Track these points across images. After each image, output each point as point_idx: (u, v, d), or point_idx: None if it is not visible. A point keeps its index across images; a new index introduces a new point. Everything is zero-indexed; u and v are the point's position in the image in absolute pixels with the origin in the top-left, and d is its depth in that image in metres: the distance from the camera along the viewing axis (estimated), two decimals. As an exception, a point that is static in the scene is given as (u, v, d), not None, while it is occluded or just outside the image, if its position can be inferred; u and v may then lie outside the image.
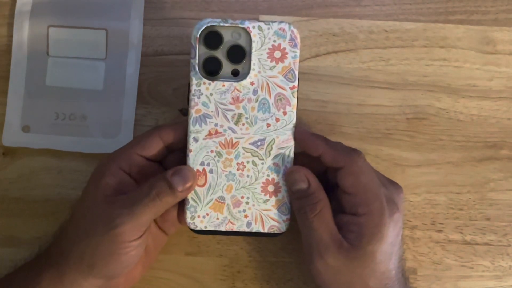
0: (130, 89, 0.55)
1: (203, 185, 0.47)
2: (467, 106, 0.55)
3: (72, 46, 0.55)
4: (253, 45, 0.46)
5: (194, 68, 0.46)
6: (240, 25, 0.46)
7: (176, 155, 0.48)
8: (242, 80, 0.46)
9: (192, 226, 0.47)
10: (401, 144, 0.55)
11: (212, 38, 0.46)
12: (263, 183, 0.47)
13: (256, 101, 0.46)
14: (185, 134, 0.46)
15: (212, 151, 0.46)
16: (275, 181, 0.47)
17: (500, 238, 0.55)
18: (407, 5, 0.56)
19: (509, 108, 0.55)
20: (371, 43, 0.55)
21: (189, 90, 0.46)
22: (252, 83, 0.46)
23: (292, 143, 0.47)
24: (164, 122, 0.55)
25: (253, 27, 0.46)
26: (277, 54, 0.46)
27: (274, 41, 0.46)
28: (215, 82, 0.46)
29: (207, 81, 0.46)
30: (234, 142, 0.46)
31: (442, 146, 0.55)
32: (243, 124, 0.46)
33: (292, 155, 0.47)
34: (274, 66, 0.46)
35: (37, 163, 0.55)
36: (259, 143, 0.47)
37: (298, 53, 0.46)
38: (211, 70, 0.46)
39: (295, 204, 0.46)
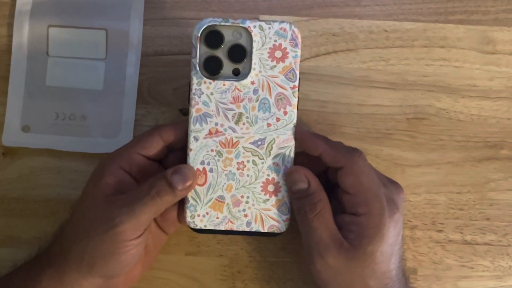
0: (130, 89, 0.55)
1: (203, 184, 0.47)
2: (467, 106, 0.55)
3: (72, 46, 0.55)
4: (254, 44, 0.46)
5: (195, 67, 0.46)
6: (241, 25, 0.46)
7: (176, 154, 0.48)
8: (242, 79, 0.46)
9: (192, 225, 0.47)
10: (401, 144, 0.55)
11: (213, 37, 0.46)
12: (263, 182, 0.47)
13: (257, 100, 0.46)
14: (186, 133, 0.46)
15: (212, 150, 0.46)
16: (275, 180, 0.47)
17: (500, 238, 0.55)
18: (407, 5, 0.56)
19: (509, 108, 0.55)
20: (371, 43, 0.55)
21: (189, 89, 0.46)
22: (252, 83, 0.46)
23: (292, 143, 0.47)
24: (164, 122, 0.55)
25: (254, 26, 0.46)
26: (278, 53, 0.46)
27: (275, 40, 0.46)
28: (216, 81, 0.46)
29: (207, 81, 0.46)
30: (234, 141, 0.46)
31: (442, 146, 0.55)
32: (244, 124, 0.46)
33: (292, 155, 0.47)
34: (275, 66, 0.46)
35: (37, 163, 0.55)
36: (259, 143, 0.47)
37: (299, 53, 0.46)
38: (212, 69, 0.46)
39: (295, 204, 0.46)
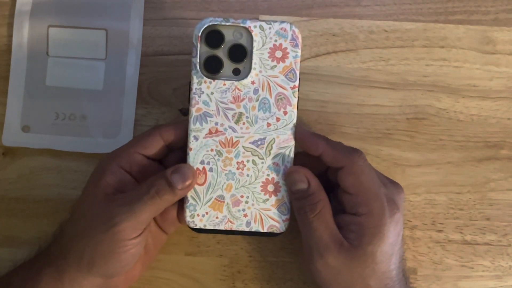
0: (130, 89, 0.55)
1: (202, 184, 0.47)
2: (467, 106, 0.55)
3: (72, 46, 0.55)
4: (254, 44, 0.46)
5: (195, 67, 0.46)
6: (241, 25, 0.46)
7: (176, 153, 0.48)
8: (243, 79, 0.46)
9: (192, 225, 0.47)
10: (401, 144, 0.55)
11: (213, 37, 0.46)
12: (263, 182, 0.47)
13: (257, 100, 0.46)
14: (186, 133, 0.47)
15: (212, 150, 0.46)
16: (275, 180, 0.47)
17: (500, 238, 0.55)
18: (407, 5, 0.56)
19: (509, 108, 0.55)
20: (371, 43, 0.55)
21: (190, 89, 0.46)
22: (253, 82, 0.46)
23: (292, 142, 0.47)
24: (164, 122, 0.55)
25: (255, 26, 0.46)
26: (278, 53, 0.46)
27: (276, 40, 0.46)
28: (216, 81, 0.46)
29: (208, 80, 0.46)
30: (234, 141, 0.46)
31: (442, 146, 0.55)
32: (244, 123, 0.46)
33: (292, 155, 0.47)
34: (275, 66, 0.46)
35: (37, 163, 0.55)
36: (259, 143, 0.47)
37: (299, 53, 0.46)
38: (212, 69, 0.46)
39: (295, 204, 0.46)
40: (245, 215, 0.47)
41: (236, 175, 0.47)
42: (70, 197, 0.54)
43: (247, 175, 0.47)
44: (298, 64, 0.46)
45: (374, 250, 0.44)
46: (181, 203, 0.48)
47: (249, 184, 0.47)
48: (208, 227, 0.47)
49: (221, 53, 0.46)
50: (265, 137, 0.46)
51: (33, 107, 0.55)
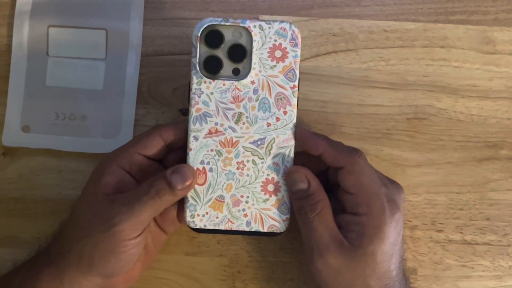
0: (130, 89, 0.55)
1: (202, 184, 0.47)
2: (467, 106, 0.55)
3: (72, 46, 0.55)
4: (254, 44, 0.46)
5: (195, 67, 0.46)
6: (241, 24, 0.46)
7: (176, 154, 0.48)
8: (242, 79, 0.46)
9: (192, 225, 0.47)
10: (401, 144, 0.55)
11: (213, 37, 0.46)
12: (263, 182, 0.47)
13: (257, 100, 0.46)
14: (186, 133, 0.47)
15: (212, 150, 0.46)
16: (275, 180, 0.47)
17: (500, 238, 0.55)
18: (407, 5, 0.56)
19: (509, 108, 0.55)
20: (371, 43, 0.55)
21: (189, 89, 0.46)
22: (252, 82, 0.46)
23: (292, 142, 0.47)
24: (164, 122, 0.55)
25: (254, 26, 0.46)
26: (278, 53, 0.46)
27: (275, 40, 0.46)
28: (216, 81, 0.46)
29: (207, 80, 0.46)
30: (234, 141, 0.46)
31: (442, 146, 0.55)
32: (243, 123, 0.46)
33: (292, 154, 0.47)
34: (275, 66, 0.46)
35: (37, 163, 0.55)
36: (259, 142, 0.47)
37: (299, 53, 0.46)
38: (212, 69, 0.46)
39: (295, 204, 0.46)
40: (245, 215, 0.47)
41: (236, 175, 0.47)
42: (70, 197, 0.54)
43: (247, 175, 0.47)
44: (297, 64, 0.46)
45: (374, 250, 0.44)
46: (181, 203, 0.48)
47: (249, 184, 0.47)
48: (208, 227, 0.47)
49: (221, 53, 0.46)
50: (265, 137, 0.46)
51: (33, 107, 0.55)
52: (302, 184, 0.46)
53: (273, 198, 0.47)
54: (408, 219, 0.54)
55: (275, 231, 0.47)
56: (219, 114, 0.46)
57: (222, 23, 0.46)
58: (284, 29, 0.46)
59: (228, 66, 0.46)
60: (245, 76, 0.46)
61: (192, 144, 0.46)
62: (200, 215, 0.47)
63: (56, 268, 0.46)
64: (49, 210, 0.54)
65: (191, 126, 0.46)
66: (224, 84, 0.46)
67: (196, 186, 0.47)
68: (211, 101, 0.46)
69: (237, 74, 0.46)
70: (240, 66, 0.46)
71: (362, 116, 0.55)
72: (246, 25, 0.46)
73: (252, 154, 0.47)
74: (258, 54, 0.46)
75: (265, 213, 0.47)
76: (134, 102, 0.55)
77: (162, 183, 0.44)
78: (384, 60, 0.55)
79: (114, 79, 0.55)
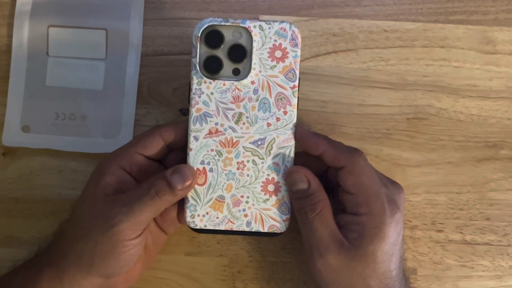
0: (130, 89, 0.55)
1: (203, 184, 0.47)
2: (467, 106, 0.55)
3: (72, 46, 0.55)
4: (254, 44, 0.46)
5: (195, 67, 0.46)
6: (241, 25, 0.46)
7: (176, 154, 0.48)
8: (242, 79, 0.46)
9: (192, 225, 0.47)
10: (401, 144, 0.55)
11: (213, 37, 0.46)
12: (263, 182, 0.47)
13: (257, 100, 0.46)
14: (186, 133, 0.47)
15: (212, 150, 0.46)
16: (275, 180, 0.47)
17: (500, 238, 0.55)
18: (407, 5, 0.56)
19: (509, 108, 0.55)
20: (371, 43, 0.55)
21: (189, 89, 0.46)
22: (252, 82, 0.46)
23: (292, 142, 0.47)
24: (164, 122, 0.55)
25: (254, 26, 0.46)
26: (278, 53, 0.46)
27: (275, 40, 0.46)
28: (216, 81, 0.46)
29: (208, 80, 0.46)
30: (234, 141, 0.46)
31: (442, 146, 0.55)
32: (244, 123, 0.46)
33: (292, 154, 0.47)
34: (275, 66, 0.46)
35: (37, 163, 0.55)
36: (259, 142, 0.47)
37: (299, 53, 0.46)
38: (212, 69, 0.46)
39: (295, 204, 0.46)
40: (246, 215, 0.47)
41: (236, 175, 0.47)
42: (70, 197, 0.54)
43: (247, 175, 0.47)
44: (297, 64, 0.46)
45: (374, 249, 0.44)
46: (181, 203, 0.48)
47: (249, 184, 0.47)
48: (208, 227, 0.47)
49: (221, 53, 0.46)
50: (265, 137, 0.46)
51: (33, 107, 0.54)
52: (302, 184, 0.46)
53: (273, 198, 0.47)
54: (408, 219, 0.54)
55: (276, 231, 0.47)
56: (219, 114, 0.46)
57: (222, 23, 0.46)
58: (284, 29, 0.46)
59: (228, 66, 0.46)
60: (245, 76, 0.46)
61: (192, 144, 0.46)
62: (200, 215, 0.47)
63: (56, 268, 0.46)
64: (49, 210, 0.54)
65: (191, 126, 0.46)
66: (224, 84, 0.46)
67: (196, 186, 0.47)
68: (211, 101, 0.46)
69: (237, 74, 0.46)
70: (240, 66, 0.46)
71: (362, 116, 0.55)
72: (246, 25, 0.46)
73: (252, 154, 0.47)
74: (258, 54, 0.46)
75: (265, 213, 0.47)
76: (134, 102, 0.55)
77: (162, 183, 0.44)
78: (384, 60, 0.55)
79: (114, 79, 0.55)
